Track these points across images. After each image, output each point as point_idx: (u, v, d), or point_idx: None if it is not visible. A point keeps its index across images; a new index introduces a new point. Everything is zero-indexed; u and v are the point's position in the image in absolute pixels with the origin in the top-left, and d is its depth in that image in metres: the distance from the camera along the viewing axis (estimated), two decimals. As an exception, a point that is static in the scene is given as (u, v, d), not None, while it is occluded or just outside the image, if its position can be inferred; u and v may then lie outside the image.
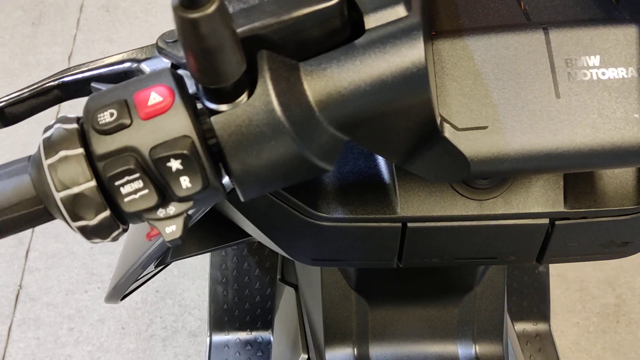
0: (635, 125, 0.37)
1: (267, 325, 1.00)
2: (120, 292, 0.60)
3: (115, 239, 0.33)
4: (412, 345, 0.67)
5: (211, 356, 0.99)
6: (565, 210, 0.48)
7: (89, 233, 0.32)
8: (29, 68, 1.82)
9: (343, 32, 0.35)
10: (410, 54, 0.33)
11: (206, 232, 0.60)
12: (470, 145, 0.37)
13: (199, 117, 0.32)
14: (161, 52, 0.36)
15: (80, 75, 0.40)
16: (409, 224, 0.48)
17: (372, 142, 0.37)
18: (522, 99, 0.38)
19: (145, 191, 0.31)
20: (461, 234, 0.49)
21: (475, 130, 0.37)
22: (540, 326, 1.02)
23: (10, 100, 0.40)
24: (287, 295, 0.87)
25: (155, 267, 0.59)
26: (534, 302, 1.04)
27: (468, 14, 0.40)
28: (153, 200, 0.31)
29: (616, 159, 0.38)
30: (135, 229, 0.59)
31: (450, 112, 0.38)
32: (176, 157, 0.30)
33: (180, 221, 0.32)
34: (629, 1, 0.40)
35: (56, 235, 1.51)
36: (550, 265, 1.59)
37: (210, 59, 0.29)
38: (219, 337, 1.01)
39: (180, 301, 1.42)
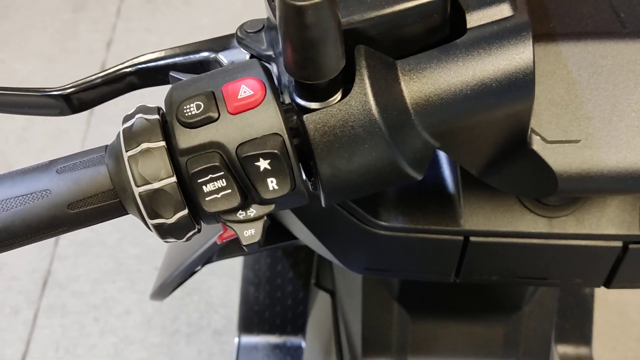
0: None
1: (298, 329, 0.97)
2: (168, 289, 0.59)
3: (189, 239, 0.30)
4: None
5: (239, 358, 0.97)
6: None
7: (164, 232, 0.30)
8: (67, 54, 1.82)
9: (443, 31, 0.32)
10: (518, 57, 0.30)
11: None
12: (559, 159, 0.35)
13: (287, 114, 0.29)
14: (241, 42, 0.34)
15: (156, 63, 0.38)
16: (472, 238, 0.46)
17: (457, 150, 0.34)
18: (619, 113, 0.35)
19: (228, 191, 0.29)
20: (526, 251, 0.46)
21: (566, 143, 0.35)
22: (582, 350, 0.98)
23: (81, 86, 0.38)
24: (321, 301, 0.85)
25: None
26: (577, 325, 0.99)
27: (559, 17, 0.37)
28: (236, 201, 0.29)
29: None
30: None
31: (540, 122, 0.35)
32: (265, 156, 0.28)
33: (259, 225, 0.29)
34: None
35: (86, 223, 1.50)
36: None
37: (312, 52, 0.26)
38: (248, 339, 0.98)
39: (206, 299, 1.40)
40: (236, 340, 1.00)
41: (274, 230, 0.58)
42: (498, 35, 0.31)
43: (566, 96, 0.35)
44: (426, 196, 0.47)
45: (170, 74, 0.36)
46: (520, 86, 0.31)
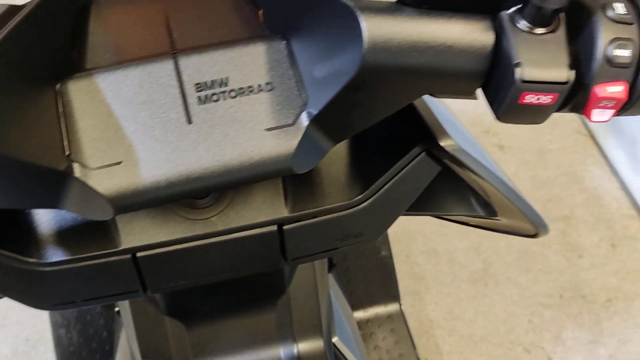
0: (266, 139, 0.39)
1: None
2: None
3: None
4: (235, 356, 0.68)
5: None
6: (289, 215, 0.49)
7: None
8: None
9: None
10: None
11: None
12: (105, 183, 0.38)
13: None
14: None
15: None
16: (138, 254, 0.48)
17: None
18: (156, 131, 0.38)
19: None
20: (195, 254, 0.49)
21: (109, 167, 0.38)
22: (391, 307, 1.06)
23: None
24: (123, 327, 0.86)
25: None
26: (382, 286, 1.07)
27: (116, 48, 0.40)
28: None
29: (256, 173, 0.39)
30: None
31: (81, 152, 0.38)
32: None
33: None
34: (269, 17, 0.41)
35: None
36: (419, 241, 1.65)
37: None
38: (71, 381, 0.98)
39: (52, 347, 1.37)
40: (59, 385, 0.99)
41: None
42: None
43: (106, 123, 0.38)
44: (82, 224, 0.49)
45: None
46: None
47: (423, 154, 0.50)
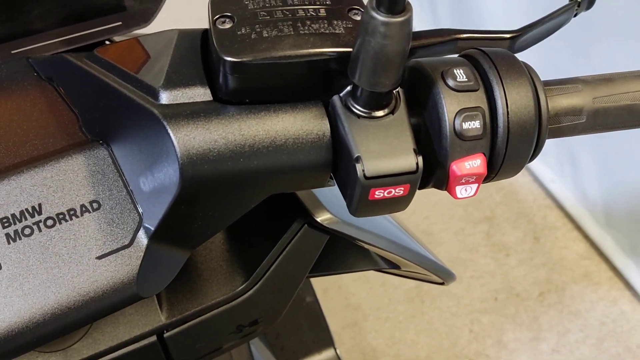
0: (99, 269, 0.33)
1: None
2: None
3: None
4: None
5: None
6: (167, 321, 0.44)
7: None
8: None
9: None
10: None
11: None
12: None
13: None
14: None
15: None
16: None
17: None
18: None
19: None
20: None
21: None
22: (326, 354, 1.01)
23: None
24: None
25: None
26: (313, 334, 1.02)
27: None
28: None
29: (94, 311, 0.33)
30: None
31: None
32: None
33: None
34: (85, 120, 0.35)
35: None
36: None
37: None
38: None
39: None
40: None
41: None
42: None
43: None
44: None
45: None
46: None
47: (305, 226, 0.46)
